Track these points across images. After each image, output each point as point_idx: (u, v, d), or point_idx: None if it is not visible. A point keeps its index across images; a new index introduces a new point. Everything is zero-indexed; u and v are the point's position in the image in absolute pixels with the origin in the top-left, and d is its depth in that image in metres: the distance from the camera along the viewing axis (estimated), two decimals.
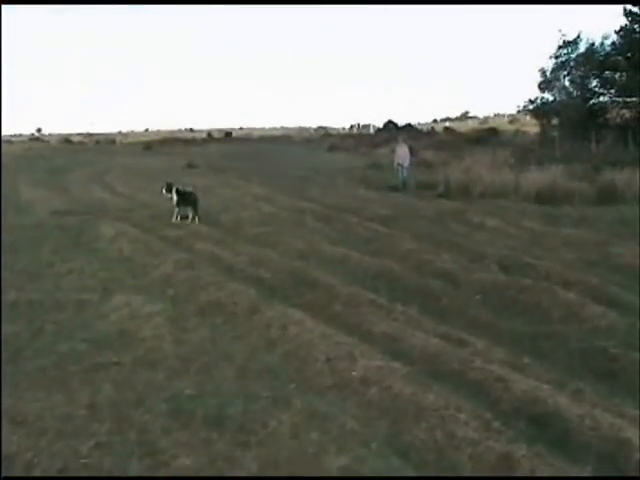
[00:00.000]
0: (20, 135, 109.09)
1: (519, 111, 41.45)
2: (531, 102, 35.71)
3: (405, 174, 19.96)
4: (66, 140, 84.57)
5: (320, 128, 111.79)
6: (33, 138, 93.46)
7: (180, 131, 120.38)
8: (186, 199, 13.71)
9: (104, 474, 3.93)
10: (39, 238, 11.81)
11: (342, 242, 11.16)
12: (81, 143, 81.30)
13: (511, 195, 16.28)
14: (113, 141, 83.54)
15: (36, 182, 23.48)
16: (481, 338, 6.27)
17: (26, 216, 14.84)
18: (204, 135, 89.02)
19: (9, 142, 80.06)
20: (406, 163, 20.13)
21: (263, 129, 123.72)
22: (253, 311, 7.09)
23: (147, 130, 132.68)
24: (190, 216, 13.53)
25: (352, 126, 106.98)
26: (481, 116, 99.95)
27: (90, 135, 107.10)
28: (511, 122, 71.26)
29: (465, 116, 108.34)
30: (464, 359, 5.57)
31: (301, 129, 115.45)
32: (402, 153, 20.38)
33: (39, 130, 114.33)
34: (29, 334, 6.49)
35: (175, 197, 13.67)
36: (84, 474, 3.93)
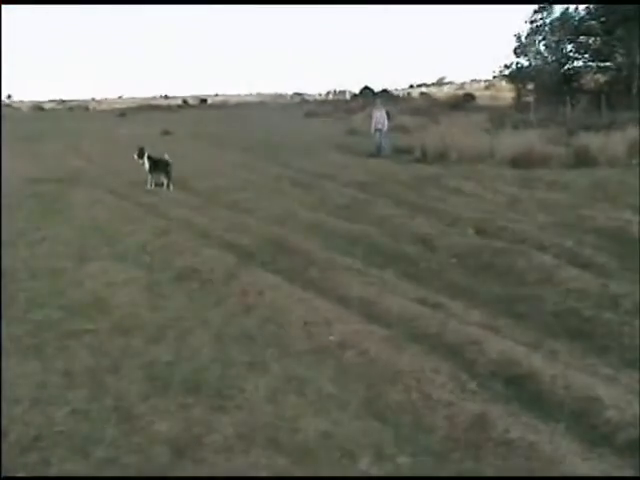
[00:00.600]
0: None
1: (495, 77, 41.49)
2: (506, 67, 35.75)
3: (383, 139, 19.70)
4: (38, 107, 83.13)
5: (296, 94, 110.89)
6: (4, 105, 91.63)
7: (155, 98, 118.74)
8: (159, 166, 13.55)
9: (80, 440, 3.90)
10: (12, 206, 11.62)
11: (319, 208, 11.14)
12: (53, 110, 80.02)
13: (487, 159, 16.27)
14: (86, 108, 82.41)
15: (8, 149, 23.07)
16: (457, 301, 6.31)
17: None
18: (179, 102, 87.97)
19: None
20: (385, 128, 19.83)
21: (239, 96, 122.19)
22: (230, 277, 7.07)
23: (121, 97, 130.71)
24: (165, 183, 13.39)
25: (328, 92, 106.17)
26: (457, 82, 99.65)
27: (63, 102, 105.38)
28: (487, 88, 71.10)
29: (441, 82, 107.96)
30: (440, 322, 5.60)
31: (277, 95, 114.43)
32: (380, 118, 19.99)
33: (9, 97, 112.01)
34: (3, 302, 6.39)
35: (147, 163, 13.51)
36: (60, 440, 3.91)
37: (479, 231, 9.10)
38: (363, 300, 6.29)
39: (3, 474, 3.66)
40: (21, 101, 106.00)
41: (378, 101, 22.38)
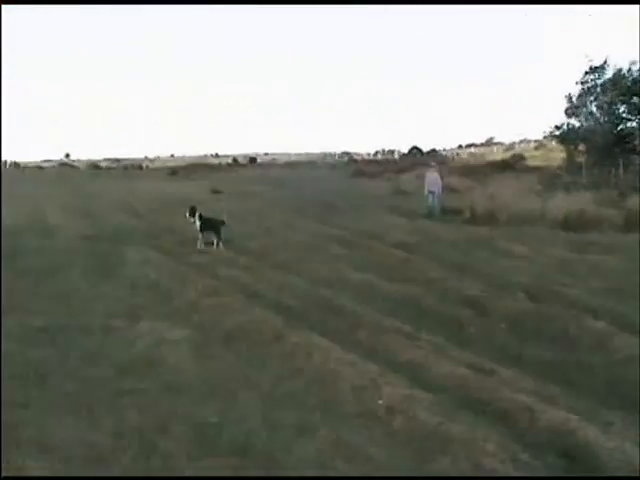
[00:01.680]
0: (50, 160, 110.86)
1: (545, 137, 41.21)
2: (557, 128, 35.52)
3: (436, 201, 19.59)
4: (94, 165, 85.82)
5: (344, 154, 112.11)
6: (62, 163, 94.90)
7: (206, 156, 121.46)
8: (209, 225, 13.79)
9: None
10: (67, 262, 11.95)
11: (367, 269, 11.15)
12: (108, 168, 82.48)
13: (538, 221, 16.15)
14: (140, 166, 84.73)
15: (64, 207, 23.79)
16: (508, 367, 6.21)
17: (54, 240, 15.02)
18: (229, 160, 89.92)
19: (39, 167, 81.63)
20: (438, 190, 19.67)
21: (287, 155, 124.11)
22: (278, 338, 7.10)
23: (173, 155, 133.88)
24: (214, 242, 13.61)
25: (377, 152, 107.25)
26: (506, 142, 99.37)
27: (117, 160, 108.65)
28: (537, 148, 70.84)
29: (490, 142, 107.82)
30: (491, 388, 5.52)
31: (325, 155, 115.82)
32: (433, 180, 19.89)
33: (67, 155, 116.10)
34: (57, 359, 6.53)
35: (198, 222, 13.77)
36: None
37: (530, 295, 8.97)
38: (412, 364, 6.25)
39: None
40: (78, 160, 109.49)
41: (432, 163, 22.32)
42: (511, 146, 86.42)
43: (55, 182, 45.57)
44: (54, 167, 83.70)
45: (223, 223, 13.78)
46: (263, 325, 7.56)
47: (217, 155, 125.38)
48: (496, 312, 8.23)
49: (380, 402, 5.29)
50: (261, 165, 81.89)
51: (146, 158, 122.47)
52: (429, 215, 19.12)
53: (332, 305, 8.58)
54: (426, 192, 19.88)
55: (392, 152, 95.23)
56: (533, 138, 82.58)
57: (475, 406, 5.21)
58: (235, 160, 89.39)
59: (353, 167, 55.92)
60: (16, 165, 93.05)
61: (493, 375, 5.95)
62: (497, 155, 62.38)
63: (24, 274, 10.83)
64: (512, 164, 43.08)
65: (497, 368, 6.14)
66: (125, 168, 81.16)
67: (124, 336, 7.35)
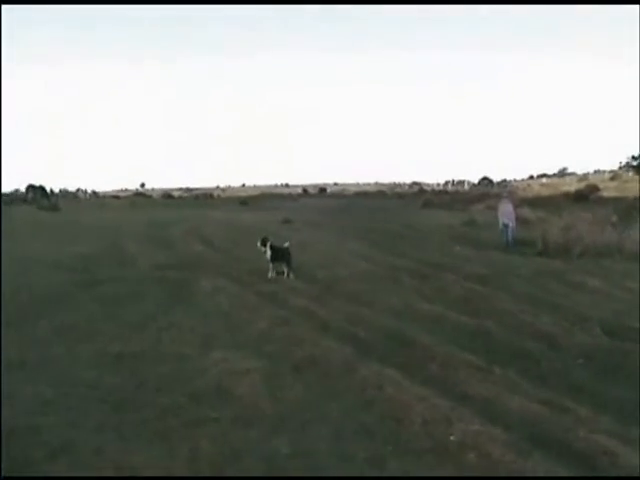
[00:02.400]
0: (126, 190, 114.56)
1: (621, 167, 40.27)
2: (634, 158, 34.71)
3: (510, 234, 19.01)
4: (167, 195, 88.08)
5: (414, 184, 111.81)
6: (137, 193, 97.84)
7: (276, 186, 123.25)
8: (280, 255, 13.97)
9: None
10: (142, 291, 12.27)
11: (438, 300, 11.06)
12: (181, 198, 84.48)
13: (614, 254, 15.73)
14: (211, 196, 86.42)
15: (139, 236, 24.46)
16: (584, 405, 6.04)
17: (129, 269, 15.44)
18: (299, 190, 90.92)
19: (116, 197, 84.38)
20: (512, 223, 19.07)
21: (357, 185, 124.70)
22: (349, 369, 7.10)
23: (244, 185, 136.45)
24: (285, 272, 13.75)
25: (447, 182, 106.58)
26: (580, 172, 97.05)
27: (189, 190, 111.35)
28: (612, 179, 69.04)
29: (563, 173, 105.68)
30: (566, 427, 5.39)
31: (395, 185, 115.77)
32: (507, 211, 19.30)
33: (142, 185, 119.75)
34: (133, 386, 6.72)
35: (269, 252, 13.95)
36: None
37: (606, 330, 8.72)
38: (484, 399, 6.16)
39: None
40: (153, 189, 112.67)
41: (504, 193, 21.82)
42: (585, 177, 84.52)
43: (131, 211, 47.01)
44: (130, 197, 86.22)
45: (290, 252, 13.93)
46: (333, 356, 7.59)
47: (287, 185, 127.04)
48: (571, 347, 8.04)
49: (452, 438, 5.23)
50: (331, 195, 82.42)
51: (218, 187, 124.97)
52: (503, 247, 18.60)
53: (402, 337, 8.53)
54: (500, 225, 19.39)
55: (462, 183, 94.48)
56: (608, 169, 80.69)
57: (550, 445, 5.09)
58: (305, 190, 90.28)
59: (423, 197, 55.60)
60: (95, 194, 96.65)
61: (569, 413, 5.80)
62: (570, 186, 60.97)
63: (102, 301, 11.19)
64: (586, 195, 42.09)
65: (573, 406, 5.99)
66: (196, 197, 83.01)
67: (196, 365, 7.48)
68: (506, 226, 19.06)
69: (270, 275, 13.84)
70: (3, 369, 7.21)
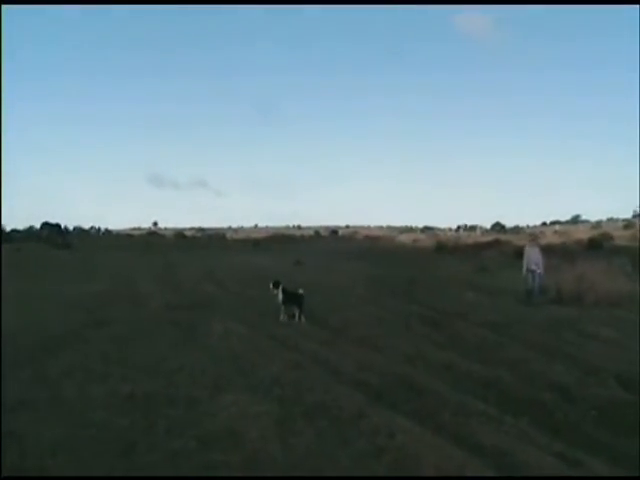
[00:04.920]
0: (139, 228, 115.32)
1: (635, 216, 40.21)
2: None
3: (537, 281, 17.46)
4: (180, 235, 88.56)
5: (426, 228, 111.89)
6: (150, 232, 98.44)
7: (288, 227, 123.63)
8: (292, 298, 13.98)
9: None
10: (154, 331, 12.31)
11: (449, 348, 11.00)
12: (194, 238, 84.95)
13: (627, 304, 15.61)
14: (224, 236, 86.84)
15: (151, 276, 24.60)
16: (599, 459, 5.94)
17: (142, 309, 15.51)
18: (311, 232, 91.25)
19: (130, 236, 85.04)
20: (540, 269, 17.47)
21: (368, 228, 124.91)
22: (359, 416, 7.05)
23: (256, 226, 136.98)
24: (297, 315, 13.74)
25: (459, 227, 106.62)
26: (593, 220, 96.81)
27: (202, 230, 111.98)
28: (626, 227, 68.86)
29: (576, 220, 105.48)
30: None
31: (406, 228, 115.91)
32: (534, 257, 17.69)
33: (155, 224, 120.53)
34: (142, 428, 6.68)
35: (281, 295, 13.98)
36: None
37: (621, 382, 8.62)
38: (497, 450, 6.07)
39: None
40: (166, 228, 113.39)
41: (531, 238, 20.68)
42: (598, 224, 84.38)
43: (145, 250, 47.31)
44: (143, 236, 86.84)
45: (301, 296, 13.94)
46: (344, 402, 7.53)
47: (299, 227, 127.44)
48: (585, 399, 7.93)
49: None
50: (342, 238, 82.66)
51: (230, 228, 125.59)
52: (527, 298, 17.33)
53: (414, 384, 8.47)
54: (524, 271, 17.81)
55: (474, 228, 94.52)
56: (621, 217, 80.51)
57: None
58: (317, 232, 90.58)
59: (435, 242, 55.59)
60: (108, 232, 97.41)
61: (583, 467, 5.71)
62: (583, 233, 60.87)
63: (113, 342, 11.24)
64: (600, 243, 41.97)
65: (587, 460, 5.89)
66: (209, 237, 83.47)
67: (207, 408, 7.44)
68: (532, 272, 17.53)
69: (282, 318, 13.83)
70: (13, 408, 7.22)
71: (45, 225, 69.60)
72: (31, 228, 71.58)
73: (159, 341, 11.43)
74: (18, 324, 12.69)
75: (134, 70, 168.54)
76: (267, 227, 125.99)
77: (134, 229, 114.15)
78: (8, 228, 59.51)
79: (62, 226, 73.36)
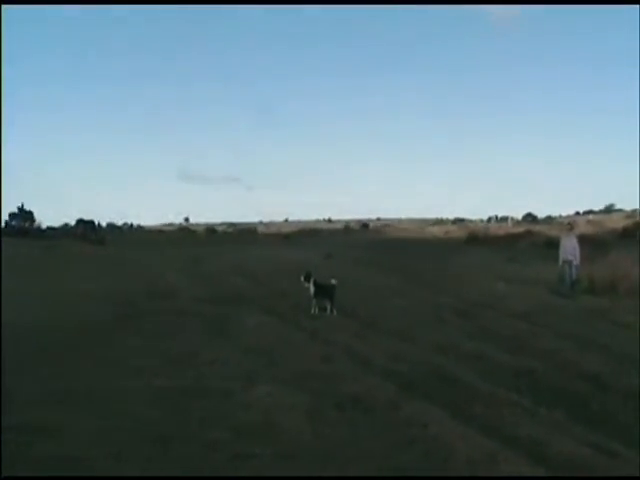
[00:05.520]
0: (171, 224, 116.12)
1: None
2: None
3: (574, 271, 16.99)
4: (211, 230, 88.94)
5: (457, 220, 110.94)
6: (182, 227, 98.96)
7: (318, 221, 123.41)
8: (323, 291, 13.99)
9: None
10: (187, 325, 12.42)
11: (480, 338, 10.94)
12: (225, 232, 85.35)
13: None
14: (255, 231, 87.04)
15: (185, 270, 24.81)
16: (635, 449, 5.85)
17: (173, 303, 15.63)
18: (342, 226, 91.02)
19: (161, 231, 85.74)
20: (576, 260, 16.98)
21: (399, 220, 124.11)
22: (392, 407, 7.05)
23: (287, 220, 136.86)
24: (328, 308, 13.76)
25: (490, 218, 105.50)
26: (628, 209, 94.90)
27: (233, 225, 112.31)
28: None
29: (610, 209, 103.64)
30: (616, 472, 5.24)
31: (437, 220, 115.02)
32: (570, 247, 17.22)
33: (187, 219, 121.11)
34: (177, 420, 6.75)
35: (312, 288, 13.99)
36: None
37: None
38: (531, 440, 6.03)
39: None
40: (197, 223, 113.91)
41: (568, 227, 20.26)
42: (633, 213, 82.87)
43: (177, 245, 47.73)
44: (175, 231, 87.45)
45: (334, 287, 13.94)
46: (376, 393, 7.55)
47: (330, 220, 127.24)
48: (620, 389, 7.84)
49: None
50: (373, 230, 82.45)
51: (260, 222, 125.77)
52: (565, 289, 16.83)
53: (446, 375, 8.45)
54: (560, 262, 17.42)
55: (505, 219, 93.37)
56: None
57: None
58: (347, 226, 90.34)
59: (466, 233, 55.14)
60: (141, 228, 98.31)
61: (619, 458, 5.64)
62: (618, 223, 59.80)
63: (146, 335, 11.35)
64: (634, 232, 41.24)
65: (623, 450, 5.81)
66: (240, 232, 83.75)
67: (240, 400, 7.49)
68: (568, 263, 17.10)
69: (313, 311, 13.86)
70: (48, 401, 7.34)
71: (79, 222, 70.36)
72: (66, 225, 72.38)
73: (192, 334, 11.53)
74: (53, 318, 12.89)
75: (168, 69, 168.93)
76: (298, 221, 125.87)
77: (166, 225, 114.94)
78: (43, 226, 60.24)
79: (96, 223, 74.14)
